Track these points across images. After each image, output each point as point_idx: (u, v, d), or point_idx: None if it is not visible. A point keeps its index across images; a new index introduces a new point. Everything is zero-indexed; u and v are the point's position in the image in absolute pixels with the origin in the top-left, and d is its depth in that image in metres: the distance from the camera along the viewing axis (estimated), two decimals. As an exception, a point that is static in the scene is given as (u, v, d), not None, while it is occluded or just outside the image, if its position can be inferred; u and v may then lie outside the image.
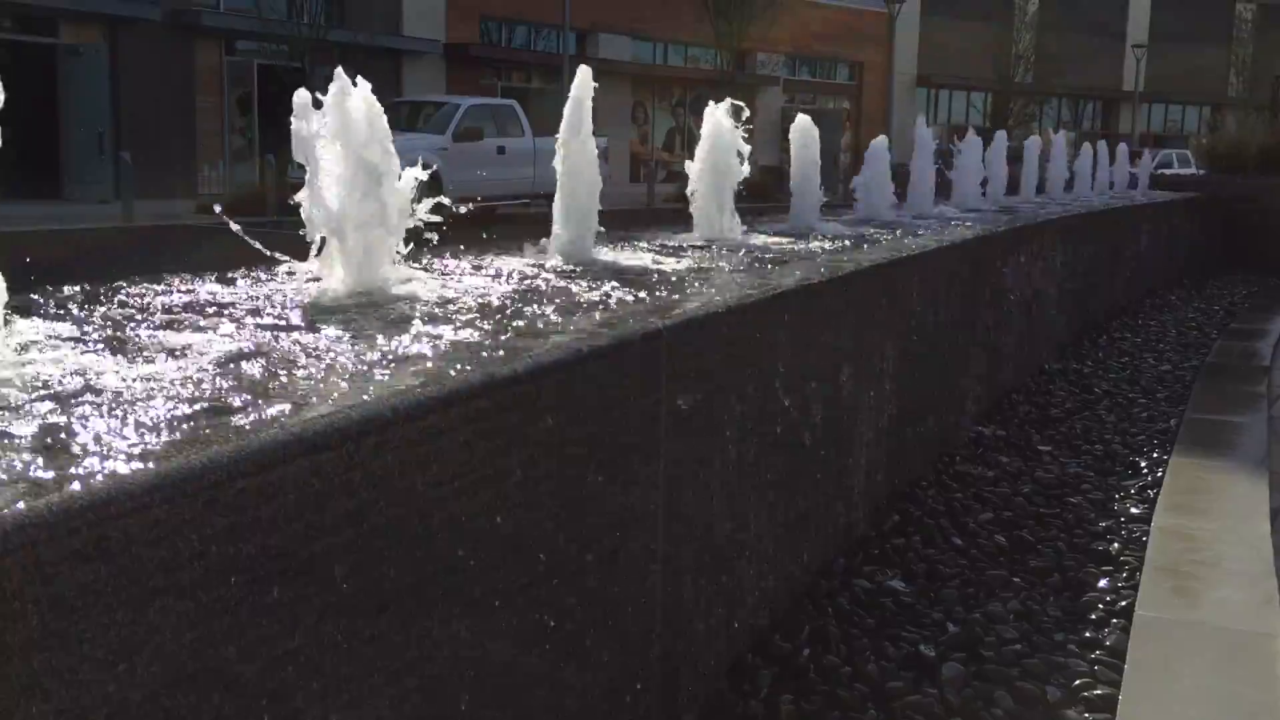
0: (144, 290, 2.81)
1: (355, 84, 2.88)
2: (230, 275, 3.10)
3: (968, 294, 5.81)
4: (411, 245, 3.05)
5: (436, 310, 2.66)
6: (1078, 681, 3.14)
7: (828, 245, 5.03)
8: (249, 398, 1.72)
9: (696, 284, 3.40)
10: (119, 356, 2.01)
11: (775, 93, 34.67)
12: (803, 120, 5.90)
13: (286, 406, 1.66)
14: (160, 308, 2.58)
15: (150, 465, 1.36)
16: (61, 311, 2.47)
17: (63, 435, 1.49)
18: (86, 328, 2.29)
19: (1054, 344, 8.12)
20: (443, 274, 3.32)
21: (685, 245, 4.64)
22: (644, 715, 2.55)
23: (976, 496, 4.75)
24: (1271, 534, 4.20)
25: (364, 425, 1.62)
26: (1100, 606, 3.66)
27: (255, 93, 24.27)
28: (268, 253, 3.11)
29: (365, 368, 1.97)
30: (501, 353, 2.14)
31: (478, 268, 3.56)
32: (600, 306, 2.84)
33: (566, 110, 3.81)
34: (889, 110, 33.16)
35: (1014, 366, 6.93)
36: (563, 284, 3.25)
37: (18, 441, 1.46)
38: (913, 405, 4.79)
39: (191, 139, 23.07)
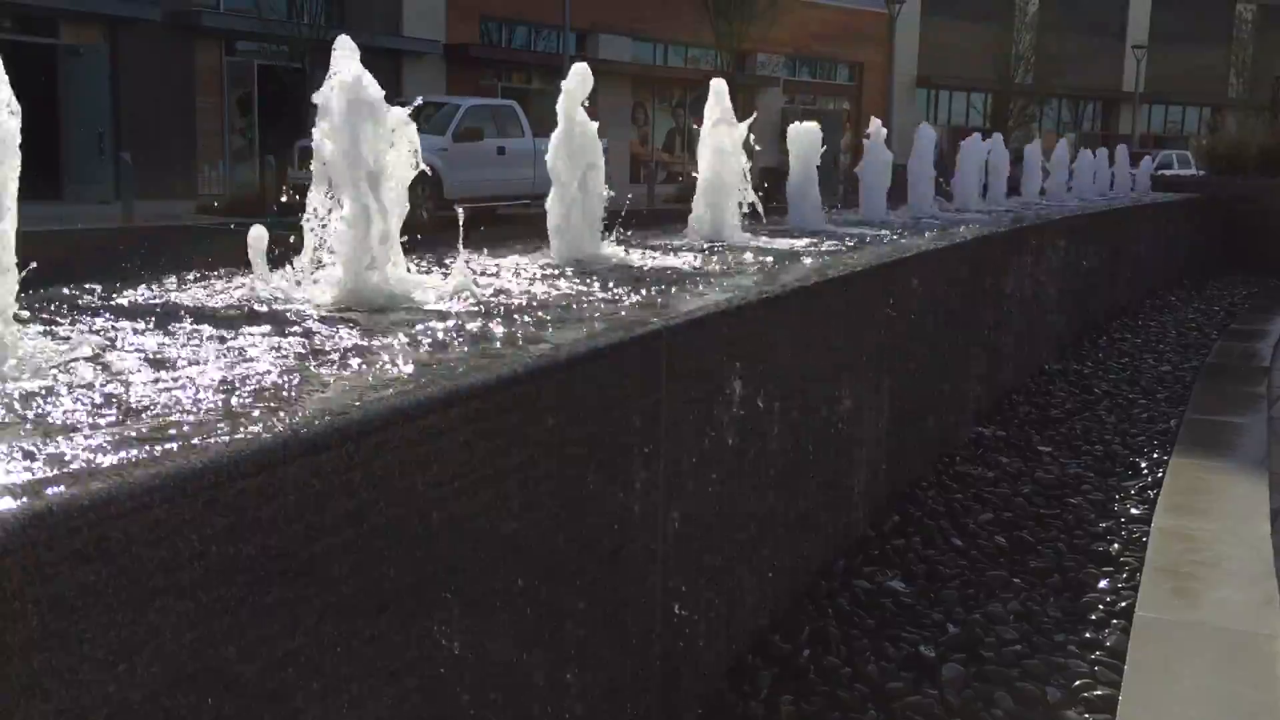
0: (144, 290, 2.81)
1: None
2: (223, 275, 3.10)
3: (967, 294, 5.81)
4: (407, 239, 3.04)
5: (437, 311, 2.66)
6: (1078, 682, 3.14)
7: (828, 245, 5.03)
8: (249, 401, 1.72)
9: (697, 284, 3.41)
10: (118, 357, 2.01)
11: (775, 93, 34.69)
12: (805, 125, 5.89)
13: (284, 409, 1.66)
14: (159, 309, 2.58)
15: (150, 465, 1.35)
16: (67, 312, 2.47)
17: (63, 435, 1.49)
18: (91, 328, 2.29)
19: (1054, 344, 8.12)
20: (442, 274, 3.32)
21: (685, 245, 4.64)
22: (644, 715, 2.55)
23: (976, 497, 4.75)
24: (1271, 534, 4.20)
25: (364, 425, 1.63)
26: (1100, 607, 3.66)
27: (255, 93, 24.29)
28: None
29: (366, 368, 1.97)
30: (502, 353, 2.14)
31: (478, 268, 3.56)
32: (600, 306, 2.84)
33: (562, 107, 3.80)
34: (889, 111, 33.18)
35: (1014, 367, 6.93)
36: (563, 284, 3.25)
37: (18, 441, 1.46)
38: (913, 405, 4.79)
39: (191, 139, 23.09)
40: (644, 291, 3.15)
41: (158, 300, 2.71)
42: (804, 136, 5.89)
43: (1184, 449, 5.53)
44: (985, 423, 5.98)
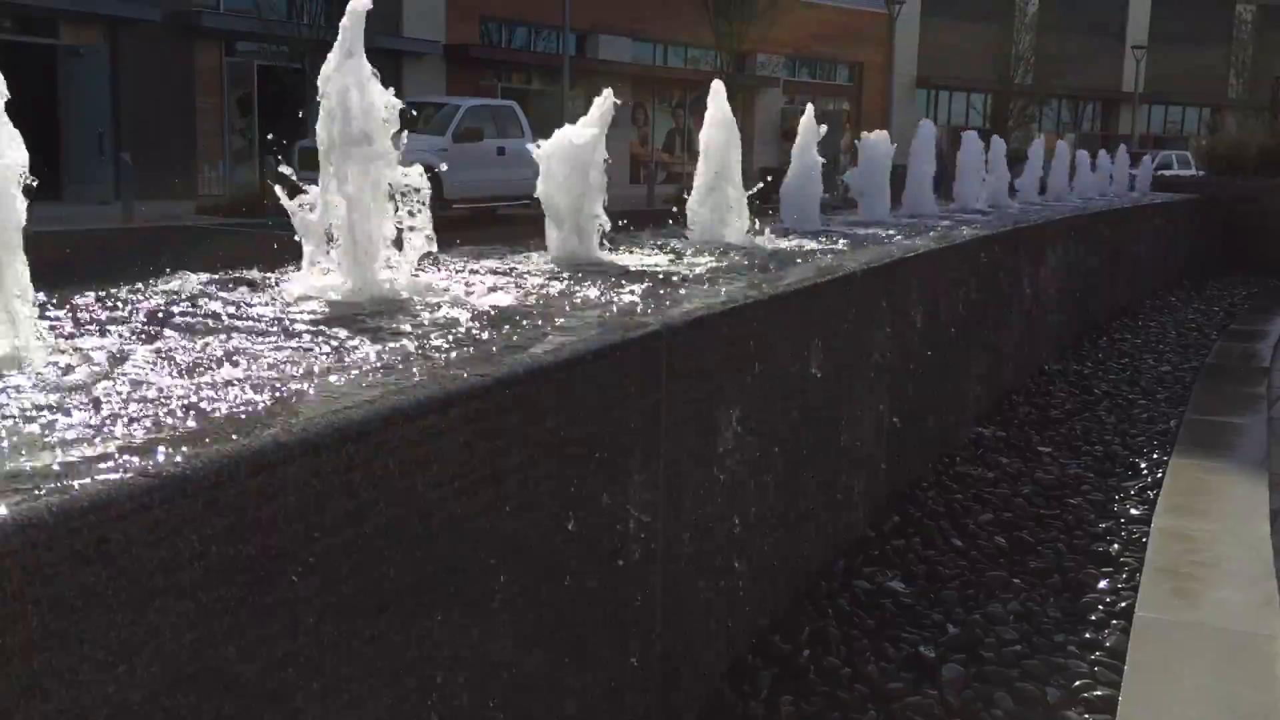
0: (144, 290, 2.81)
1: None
2: (229, 277, 3.09)
3: (967, 294, 5.81)
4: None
5: (437, 311, 2.66)
6: (1078, 682, 3.14)
7: (826, 245, 5.03)
8: (249, 402, 1.72)
9: (696, 284, 3.40)
10: (121, 355, 2.01)
11: (775, 94, 34.73)
12: (807, 118, 5.87)
13: (284, 409, 1.66)
14: (166, 310, 2.58)
15: (150, 465, 1.36)
16: (73, 312, 2.47)
17: (64, 435, 1.49)
18: (91, 327, 2.29)
19: (1054, 344, 8.12)
20: (442, 274, 3.32)
21: (685, 246, 4.64)
22: (644, 715, 2.55)
23: (976, 497, 4.75)
24: (1271, 535, 4.20)
25: (364, 425, 1.63)
26: (1100, 607, 3.66)
27: (255, 93, 24.30)
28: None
29: (365, 368, 1.97)
30: (502, 353, 2.14)
31: (479, 269, 3.56)
32: (600, 307, 2.84)
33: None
34: (889, 111, 33.20)
35: (1014, 367, 6.94)
36: (563, 284, 3.25)
37: (19, 441, 1.46)
38: (913, 406, 4.79)
39: (191, 140, 23.11)
40: (643, 292, 3.15)
41: (157, 300, 2.71)
42: (806, 132, 5.86)
43: (1184, 449, 5.54)
44: (985, 423, 5.98)
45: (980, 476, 5.06)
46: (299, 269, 3.00)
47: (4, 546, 1.15)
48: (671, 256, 4.19)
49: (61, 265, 2.52)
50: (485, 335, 2.34)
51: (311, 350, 2.14)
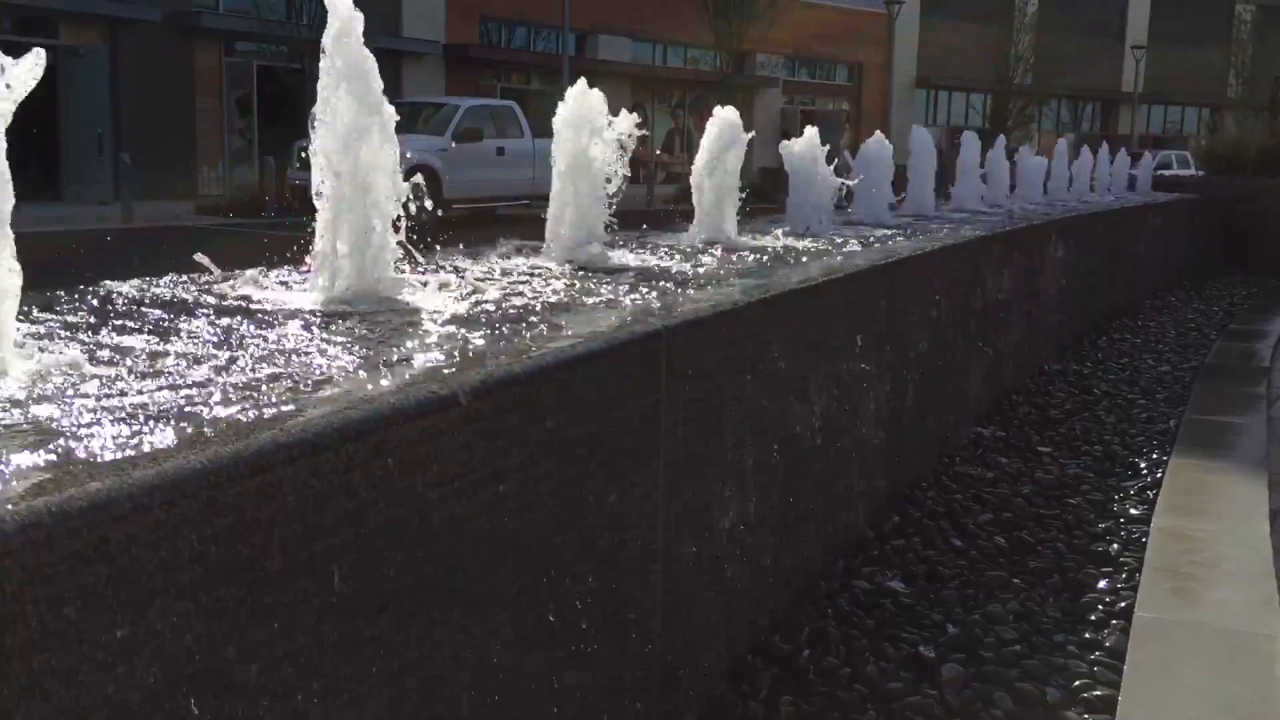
0: (143, 289, 2.81)
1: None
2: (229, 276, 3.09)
3: (967, 294, 5.81)
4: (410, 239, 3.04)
5: (438, 312, 2.66)
6: (1077, 682, 3.14)
7: (826, 246, 5.03)
8: (246, 401, 1.72)
9: (696, 284, 3.40)
10: (121, 356, 2.01)
11: (775, 94, 34.69)
12: (800, 140, 5.86)
13: (283, 409, 1.66)
14: (166, 307, 2.58)
15: (150, 465, 1.36)
16: (72, 311, 2.47)
17: (65, 435, 1.49)
18: (90, 327, 2.29)
19: (1054, 344, 8.12)
20: (442, 275, 3.31)
21: (685, 246, 4.64)
22: (644, 715, 2.55)
23: (976, 498, 4.75)
24: (1271, 535, 4.20)
25: (364, 426, 1.63)
26: (1100, 607, 3.66)
27: (255, 94, 24.28)
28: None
29: (365, 368, 1.97)
30: (502, 354, 2.14)
31: (478, 269, 3.56)
32: (600, 307, 2.84)
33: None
34: (888, 111, 33.19)
35: (1014, 367, 6.94)
36: (564, 284, 3.25)
37: (19, 441, 1.46)
38: (912, 406, 4.79)
39: (191, 140, 23.08)
40: (643, 292, 3.15)
41: (156, 299, 2.70)
42: (806, 139, 5.86)
43: (1183, 449, 5.54)
44: (985, 423, 5.98)
45: (980, 476, 5.07)
46: (299, 269, 3.00)
47: (4, 546, 1.15)
48: (671, 256, 4.19)
49: (62, 265, 2.51)
50: (485, 335, 2.34)
51: (311, 350, 2.14)
